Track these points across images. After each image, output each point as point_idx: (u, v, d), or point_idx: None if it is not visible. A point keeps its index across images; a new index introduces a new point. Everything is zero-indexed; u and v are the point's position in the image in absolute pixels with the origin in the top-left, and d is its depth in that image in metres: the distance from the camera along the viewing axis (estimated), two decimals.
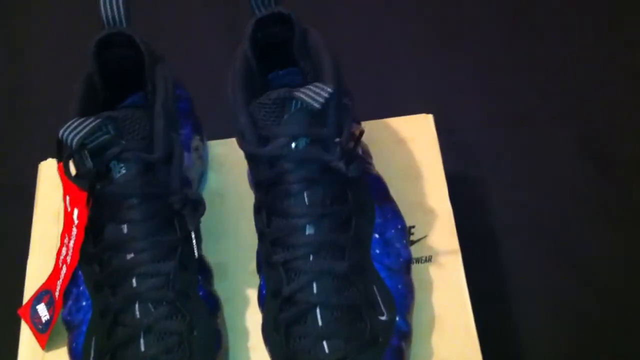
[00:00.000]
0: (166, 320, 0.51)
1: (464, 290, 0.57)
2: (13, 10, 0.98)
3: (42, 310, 0.58)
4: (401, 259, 0.54)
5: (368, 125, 0.62)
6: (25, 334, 0.58)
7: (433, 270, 0.58)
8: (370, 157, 0.59)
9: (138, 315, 0.51)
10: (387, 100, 0.79)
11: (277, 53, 0.57)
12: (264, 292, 0.54)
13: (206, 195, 0.63)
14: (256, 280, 0.56)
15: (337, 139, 0.50)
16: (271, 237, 0.53)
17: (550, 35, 0.89)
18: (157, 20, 0.92)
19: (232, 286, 0.59)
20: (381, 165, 0.60)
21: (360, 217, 0.53)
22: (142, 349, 0.50)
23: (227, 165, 0.65)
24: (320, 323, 0.50)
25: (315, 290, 0.51)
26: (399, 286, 0.53)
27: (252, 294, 0.58)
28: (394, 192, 0.59)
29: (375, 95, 0.79)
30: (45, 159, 0.66)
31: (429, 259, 0.59)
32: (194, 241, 0.53)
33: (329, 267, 0.51)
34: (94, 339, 0.52)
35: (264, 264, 0.53)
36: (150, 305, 0.51)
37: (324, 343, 0.50)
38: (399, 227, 0.56)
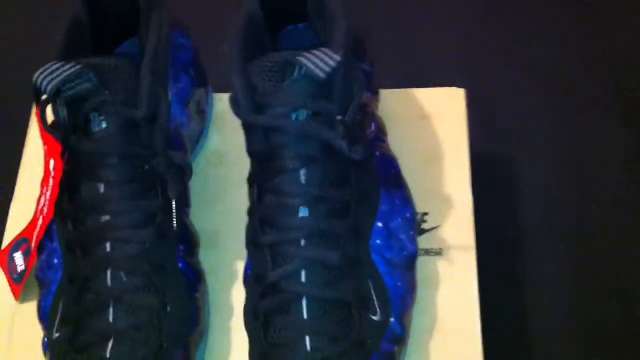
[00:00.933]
0: (138, 293, 0.47)
1: (474, 293, 0.51)
2: None
3: (19, 259, 0.54)
4: (405, 253, 0.49)
5: (388, 95, 0.57)
6: (1, 281, 0.55)
7: (442, 265, 0.52)
8: (385, 134, 0.53)
9: (109, 284, 0.47)
10: (413, 68, 0.71)
11: (290, 10, 0.51)
12: (249, 272, 0.49)
13: (204, 153, 0.58)
14: (244, 253, 0.51)
15: (340, 117, 0.44)
16: (261, 215, 0.47)
17: (600, 8, 0.79)
18: None
19: (221, 257, 0.54)
20: (398, 142, 0.54)
21: (363, 203, 0.47)
22: (110, 320, 0.46)
23: (232, 122, 0.59)
24: (305, 316, 0.45)
25: (303, 280, 0.46)
26: (399, 284, 0.48)
27: (242, 267, 0.52)
28: (410, 174, 0.53)
29: (401, 61, 0.71)
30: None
31: (439, 252, 0.53)
32: (174, 209, 0.48)
33: (321, 256, 0.46)
34: (61, 302, 0.48)
35: (250, 243, 0.48)
36: (122, 274, 0.47)
37: (307, 339, 0.45)
38: (408, 216, 0.50)
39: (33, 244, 0.53)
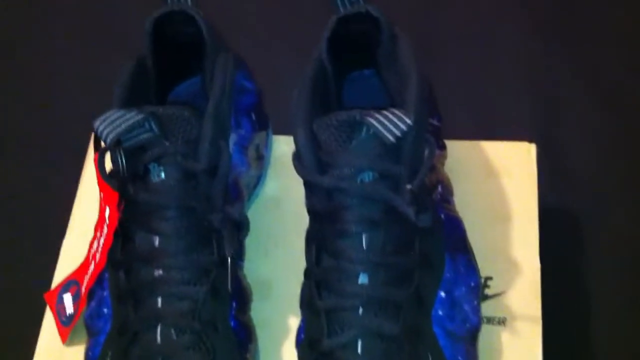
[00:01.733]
0: (188, 352, 0.45)
1: None
2: None
3: (68, 300, 0.54)
4: (467, 325, 0.46)
5: (454, 147, 0.54)
6: (49, 319, 0.54)
7: (505, 336, 0.49)
8: (451, 193, 0.50)
9: (159, 340, 0.45)
10: (482, 118, 0.68)
11: (358, 57, 0.49)
12: (302, 335, 0.47)
13: (261, 199, 0.57)
14: (298, 312, 0.50)
15: (409, 185, 0.42)
16: (318, 277, 0.45)
17: None
18: (233, 5, 0.84)
19: (274, 308, 0.52)
20: (463, 198, 0.51)
21: (426, 271, 0.45)
22: None
23: (290, 166, 0.58)
24: None
25: (359, 351, 0.43)
26: (459, 357, 0.45)
27: (295, 324, 0.51)
28: (474, 234, 0.50)
29: (469, 110, 0.68)
30: None
31: (502, 322, 0.50)
32: (229, 267, 0.46)
33: (380, 326, 0.44)
34: (109, 355, 0.47)
35: (306, 305, 0.46)
36: (172, 331, 0.45)
37: None
38: (472, 284, 0.47)
39: (83, 289, 0.52)
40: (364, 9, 0.46)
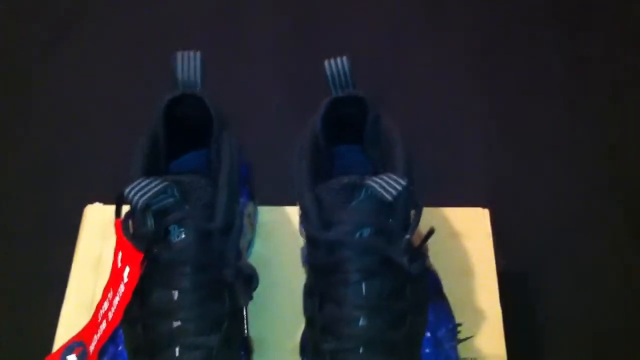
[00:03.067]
0: None
1: None
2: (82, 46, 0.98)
3: None
4: None
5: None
6: None
7: None
8: (427, 250, 0.58)
9: None
10: (443, 183, 0.78)
11: (346, 132, 0.56)
12: None
13: (252, 260, 0.62)
14: (296, 357, 0.55)
15: (407, 236, 0.49)
16: (322, 324, 0.51)
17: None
18: (225, 82, 0.91)
19: None
20: (432, 257, 0.58)
21: (416, 315, 0.51)
22: None
23: (276, 233, 0.64)
24: None
25: None
26: None
27: None
28: (444, 287, 0.58)
29: (432, 177, 0.77)
30: (92, 202, 0.66)
31: None
32: (245, 316, 0.51)
33: None
34: None
35: (311, 350, 0.52)
36: None
37: None
38: (450, 326, 0.54)
39: (92, 347, 0.55)
40: (355, 92, 0.54)
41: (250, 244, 0.62)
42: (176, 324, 0.50)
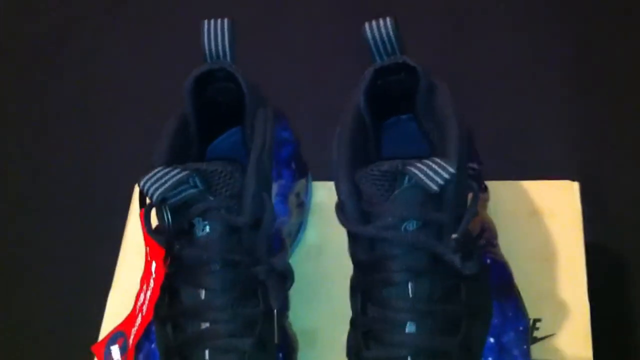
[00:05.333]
0: None
1: None
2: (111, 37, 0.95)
3: (115, 353, 0.54)
4: None
5: (496, 188, 0.53)
6: None
7: None
8: (495, 237, 0.50)
9: None
10: (522, 157, 0.68)
11: (395, 105, 0.49)
12: None
13: (302, 246, 0.57)
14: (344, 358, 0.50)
15: (454, 235, 0.42)
16: (365, 327, 0.45)
17: None
18: (268, 57, 0.85)
19: (318, 358, 0.52)
20: (507, 239, 0.51)
21: (474, 318, 0.44)
22: None
23: (331, 212, 0.58)
24: None
25: None
26: None
27: None
28: (520, 275, 0.49)
29: (508, 149, 0.68)
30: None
31: None
32: (275, 319, 0.47)
33: None
34: None
35: (353, 355, 0.46)
36: None
37: None
38: (521, 328, 0.47)
39: (131, 341, 0.52)
40: (401, 59, 0.47)
41: (300, 228, 0.56)
42: (205, 325, 0.46)
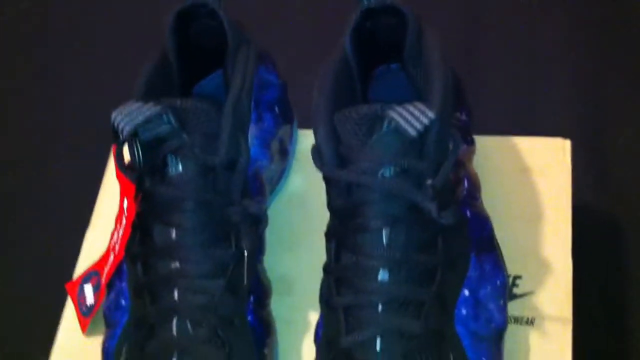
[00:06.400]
0: (204, 346, 0.44)
1: None
2: None
3: (89, 291, 0.53)
4: (492, 325, 0.44)
5: (484, 143, 0.52)
6: (70, 309, 0.54)
7: (533, 336, 0.48)
8: (478, 190, 0.48)
9: (174, 333, 0.45)
10: (513, 112, 0.66)
11: (383, 51, 0.47)
12: (320, 332, 0.46)
13: (284, 194, 0.56)
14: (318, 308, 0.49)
15: (429, 181, 0.40)
16: (337, 274, 0.44)
17: None
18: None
19: (295, 305, 0.51)
20: (492, 196, 0.50)
21: (450, 270, 0.43)
22: None
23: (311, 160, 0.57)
24: None
25: (378, 349, 0.42)
26: (483, 358, 0.44)
27: (315, 319, 0.49)
28: (504, 232, 0.48)
29: (499, 103, 0.65)
30: None
31: (530, 322, 0.48)
32: (245, 261, 0.46)
33: (400, 324, 0.42)
34: (125, 347, 0.46)
35: (324, 302, 0.45)
36: (189, 324, 0.45)
37: None
38: (498, 283, 0.45)
39: (103, 280, 0.52)
40: (389, 2, 0.45)
41: (282, 175, 0.55)
42: (175, 264, 0.45)
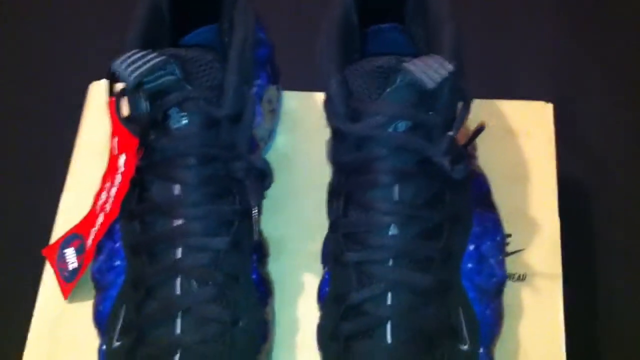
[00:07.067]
0: (209, 305, 0.43)
1: (559, 323, 0.48)
2: None
3: (71, 255, 0.51)
4: (494, 279, 0.45)
5: (473, 106, 0.53)
6: (48, 275, 0.51)
7: (525, 292, 0.49)
8: (476, 150, 0.49)
9: (178, 293, 0.43)
10: (498, 77, 0.67)
11: (383, 7, 0.47)
12: (326, 289, 0.46)
13: (271, 154, 0.55)
14: (316, 264, 0.48)
15: (450, 133, 0.41)
16: (346, 230, 0.44)
17: None
18: None
19: (287, 268, 0.50)
20: (481, 157, 0.50)
21: (456, 224, 0.44)
22: (178, 332, 0.43)
23: (301, 123, 0.56)
24: (389, 342, 0.42)
25: (389, 303, 0.42)
26: (487, 311, 0.44)
27: (309, 281, 0.50)
28: (494, 193, 0.50)
29: (484, 68, 0.66)
30: (98, 79, 0.57)
31: (522, 278, 0.49)
32: (255, 216, 0.45)
33: (410, 278, 0.42)
34: (123, 309, 0.45)
35: (332, 259, 0.45)
36: (193, 283, 0.43)
37: None
38: (498, 239, 0.46)
39: (90, 242, 0.49)
40: None
41: (270, 135, 0.54)
42: (177, 222, 0.44)
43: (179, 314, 0.43)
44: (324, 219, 0.49)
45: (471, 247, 0.45)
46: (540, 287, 0.49)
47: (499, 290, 0.46)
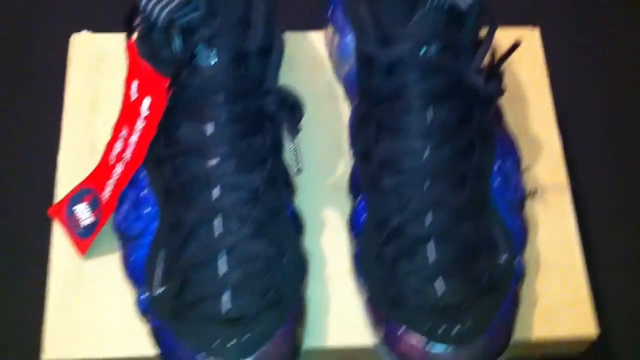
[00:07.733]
0: (252, 241, 0.43)
1: (572, 227, 0.50)
2: None
3: (83, 211, 0.49)
4: (519, 194, 0.47)
5: None
6: (58, 235, 0.50)
7: (538, 204, 0.51)
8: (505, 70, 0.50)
9: (219, 232, 0.43)
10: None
11: None
12: (362, 218, 0.46)
13: None
14: (334, 196, 0.49)
15: (481, 51, 0.42)
16: (381, 158, 0.45)
17: None
18: None
19: (304, 204, 0.50)
20: None
21: (485, 142, 0.45)
22: (223, 272, 0.42)
23: (301, 62, 0.56)
24: (433, 259, 0.43)
25: (429, 222, 0.44)
26: (517, 224, 0.46)
27: (328, 214, 0.50)
28: None
29: None
30: (79, 30, 0.55)
31: (533, 193, 0.52)
32: (287, 151, 0.44)
33: (447, 197, 0.44)
34: (162, 254, 0.44)
35: (368, 187, 0.45)
36: (233, 222, 0.43)
37: (436, 284, 0.43)
38: (516, 158, 0.48)
39: (106, 194, 0.48)
40: None
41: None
42: (212, 162, 0.43)
43: (223, 253, 0.43)
44: (334, 151, 0.50)
45: (496, 166, 0.46)
46: (550, 198, 0.51)
47: (523, 204, 0.48)
